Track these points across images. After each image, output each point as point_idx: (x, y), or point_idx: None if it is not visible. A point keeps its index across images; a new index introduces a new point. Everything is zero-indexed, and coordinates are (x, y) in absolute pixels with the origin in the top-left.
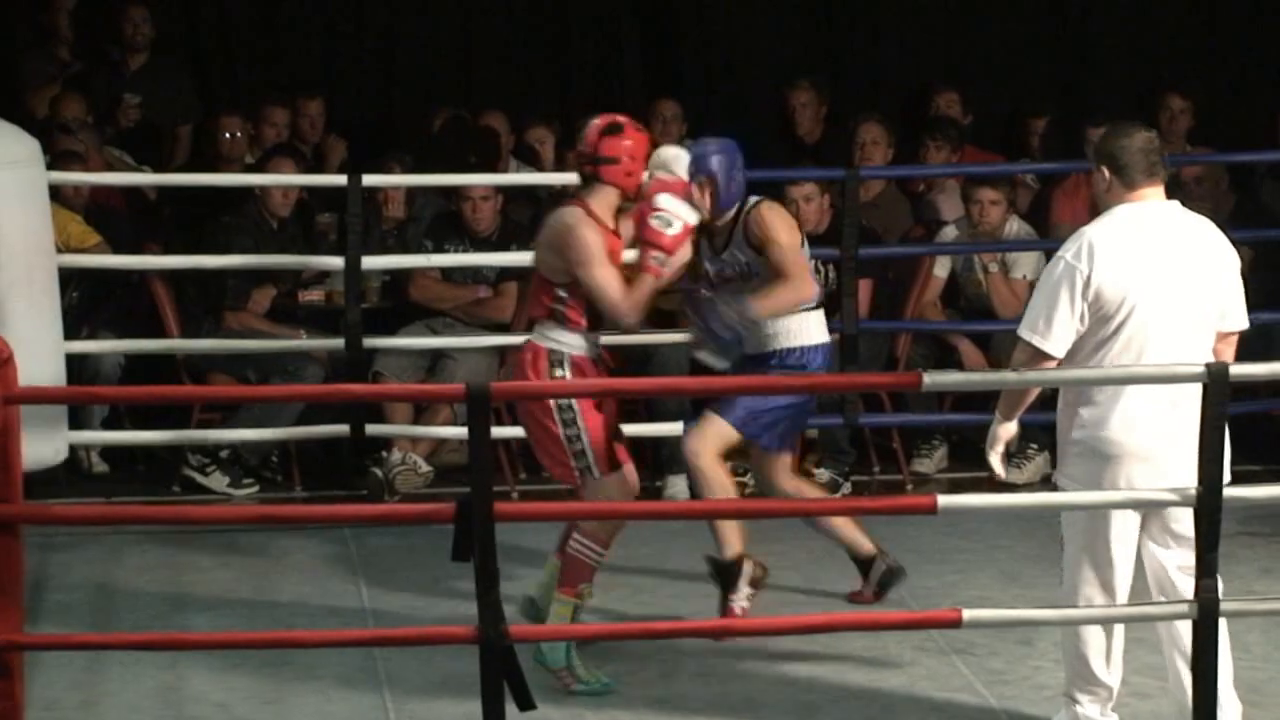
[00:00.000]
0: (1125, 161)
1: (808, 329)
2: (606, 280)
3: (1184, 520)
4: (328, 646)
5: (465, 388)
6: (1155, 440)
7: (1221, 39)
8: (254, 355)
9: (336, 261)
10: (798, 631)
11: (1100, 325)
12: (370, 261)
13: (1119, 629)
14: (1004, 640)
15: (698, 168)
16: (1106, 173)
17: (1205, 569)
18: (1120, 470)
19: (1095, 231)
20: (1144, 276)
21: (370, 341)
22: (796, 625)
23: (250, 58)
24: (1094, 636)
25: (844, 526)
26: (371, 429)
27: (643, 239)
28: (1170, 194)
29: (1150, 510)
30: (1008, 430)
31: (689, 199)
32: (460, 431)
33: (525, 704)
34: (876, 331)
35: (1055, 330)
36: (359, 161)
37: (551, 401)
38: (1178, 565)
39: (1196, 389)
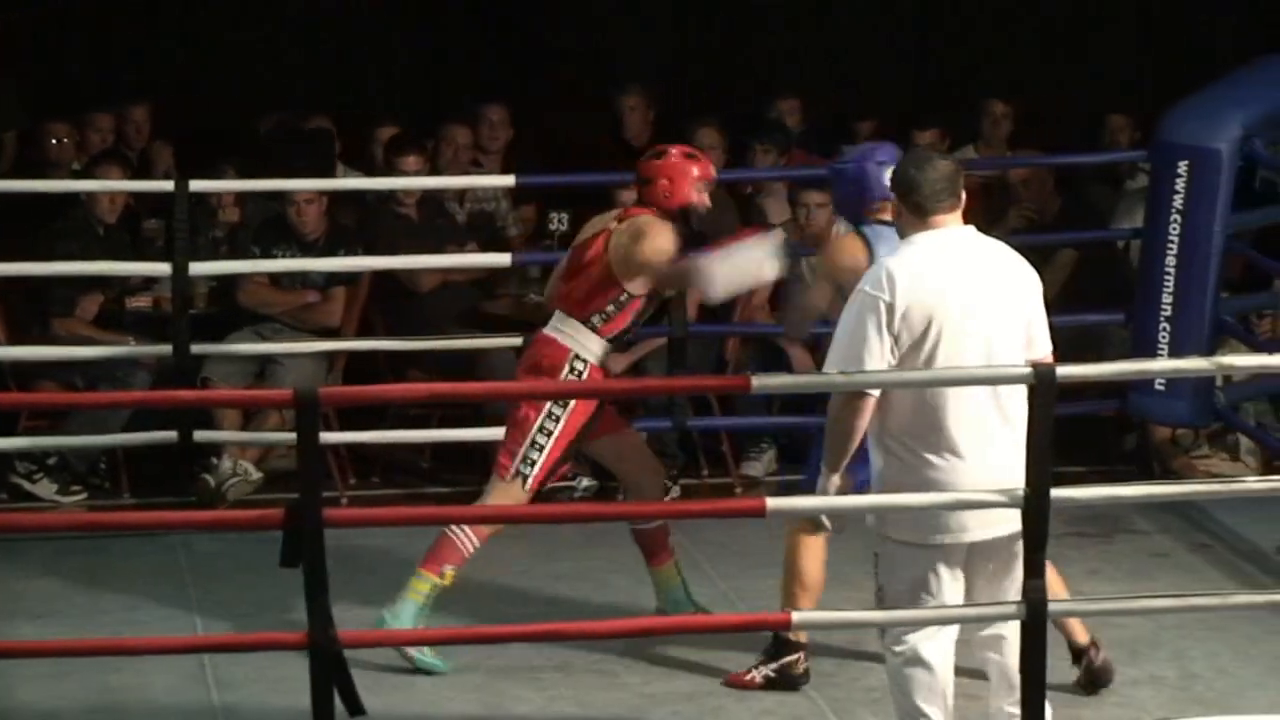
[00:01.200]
0: (925, 191)
1: None
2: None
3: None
4: (158, 654)
5: (293, 393)
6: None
7: (1046, 42)
8: (82, 362)
9: (164, 268)
10: (627, 635)
11: (910, 355)
12: (198, 267)
13: (946, 670)
14: (833, 642)
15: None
16: (903, 201)
17: (1033, 570)
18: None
19: (894, 260)
20: (948, 303)
21: (198, 347)
22: (626, 629)
23: (76, 63)
24: (919, 675)
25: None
26: (200, 435)
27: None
28: (996, 197)
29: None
30: (835, 484)
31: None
32: (289, 437)
33: (355, 709)
34: (705, 335)
35: (869, 366)
36: (187, 167)
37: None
38: None
39: (1019, 417)
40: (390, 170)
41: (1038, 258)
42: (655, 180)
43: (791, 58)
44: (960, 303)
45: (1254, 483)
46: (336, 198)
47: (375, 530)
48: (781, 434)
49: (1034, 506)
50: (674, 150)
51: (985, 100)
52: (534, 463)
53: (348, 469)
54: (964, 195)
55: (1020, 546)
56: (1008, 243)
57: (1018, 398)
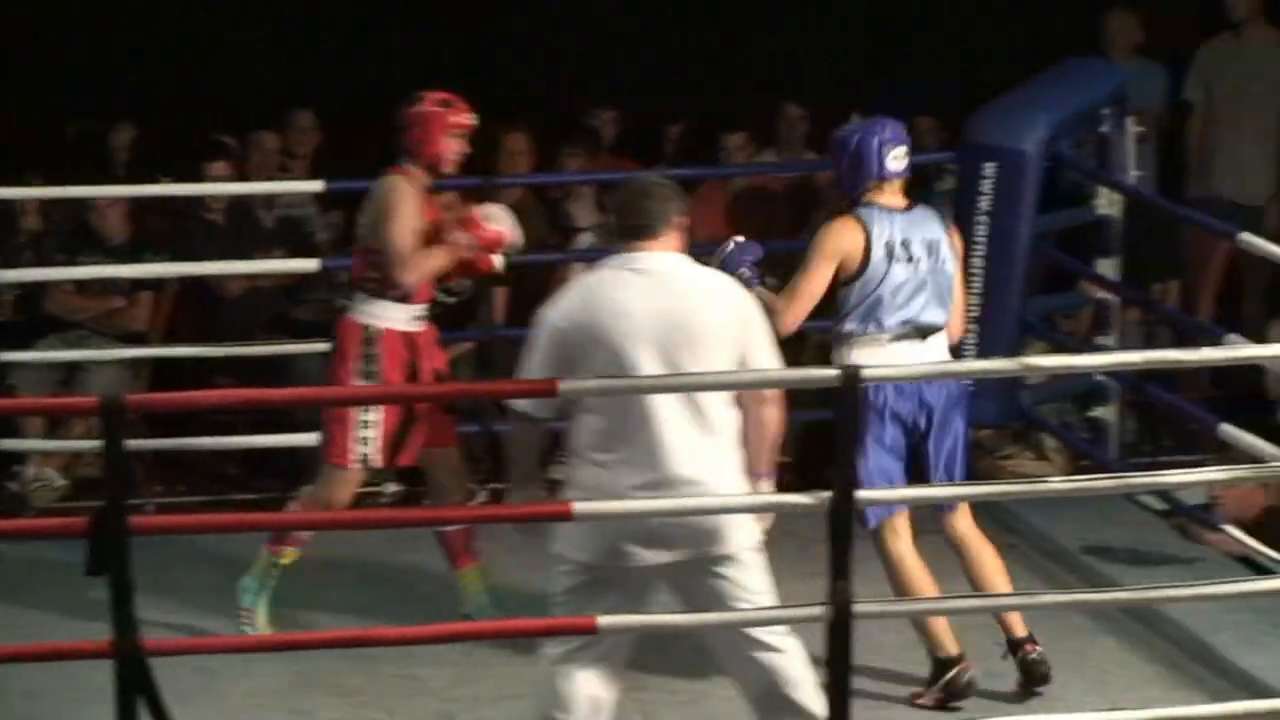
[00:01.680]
0: (627, 217)
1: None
2: (399, 234)
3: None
4: None
5: (100, 400)
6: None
7: (863, 45)
8: None
9: None
10: (433, 640)
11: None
12: (1, 275)
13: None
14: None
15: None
16: (615, 221)
17: (839, 571)
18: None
19: (582, 280)
20: (620, 330)
21: (3, 355)
22: (435, 634)
23: None
24: (560, 682)
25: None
26: (4, 443)
27: (461, 221)
28: (802, 200)
29: None
30: (525, 499)
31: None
32: (96, 444)
33: (160, 717)
34: (513, 338)
35: None
36: None
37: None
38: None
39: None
40: (198, 176)
41: None
42: (408, 129)
43: (605, 61)
44: (631, 331)
45: (1059, 483)
46: (146, 204)
47: (183, 537)
48: None
49: (840, 507)
50: (428, 97)
51: (780, 103)
52: (369, 440)
53: (154, 476)
54: (676, 222)
55: (734, 569)
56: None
57: (718, 418)
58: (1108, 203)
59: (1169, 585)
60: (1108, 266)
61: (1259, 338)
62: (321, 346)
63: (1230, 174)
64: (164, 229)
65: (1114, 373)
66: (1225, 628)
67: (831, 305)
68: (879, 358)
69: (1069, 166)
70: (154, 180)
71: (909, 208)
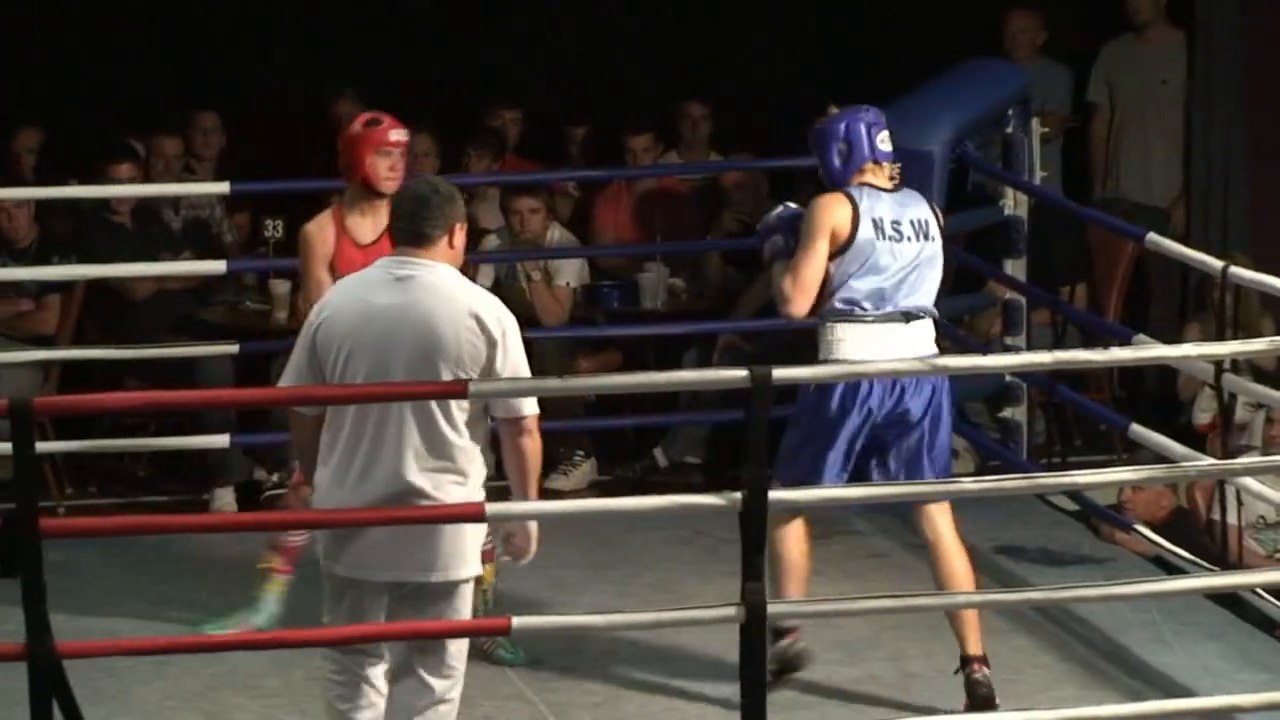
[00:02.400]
0: (401, 220)
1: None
2: (305, 291)
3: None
4: None
5: (8, 403)
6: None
7: (759, 43)
8: None
9: None
10: (350, 641)
11: (329, 378)
12: None
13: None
14: (552, 647)
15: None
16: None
17: (751, 572)
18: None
19: (345, 280)
20: (353, 335)
21: None
22: (349, 636)
23: None
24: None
25: None
26: None
27: None
28: (709, 200)
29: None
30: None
31: None
32: (4, 447)
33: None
34: None
35: (289, 383)
36: None
37: None
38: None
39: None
40: (102, 179)
41: (752, 261)
42: (340, 153)
43: (507, 62)
44: (373, 337)
45: (969, 483)
46: (52, 207)
47: (93, 540)
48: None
49: (752, 508)
50: (358, 118)
51: (682, 102)
52: None
53: (64, 478)
54: (452, 229)
55: (454, 601)
56: (719, 246)
57: (454, 435)
58: (1014, 203)
59: (1081, 585)
60: (1015, 267)
61: (1167, 339)
62: (229, 349)
63: (1135, 175)
64: (70, 232)
65: (1023, 373)
66: (1137, 627)
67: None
68: (862, 340)
69: (975, 167)
70: (63, 183)
71: (896, 188)
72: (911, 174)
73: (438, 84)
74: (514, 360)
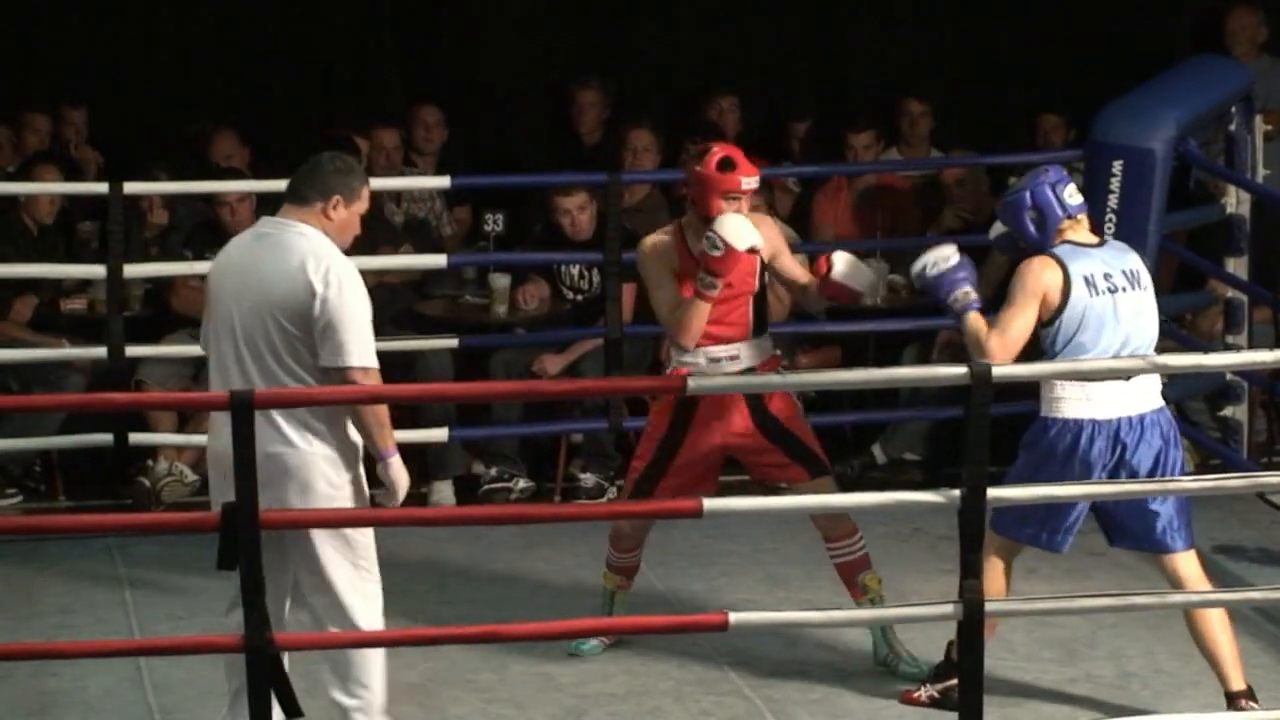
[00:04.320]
0: (291, 180)
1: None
2: (658, 302)
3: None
4: (93, 657)
5: (229, 395)
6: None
7: (980, 40)
8: (15, 365)
9: (98, 270)
10: (566, 636)
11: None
12: (132, 270)
13: None
14: (771, 643)
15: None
16: None
17: (969, 570)
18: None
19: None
20: (219, 294)
21: (133, 350)
22: (563, 630)
23: (9, 65)
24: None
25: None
26: (136, 438)
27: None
28: (930, 197)
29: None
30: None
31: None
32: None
33: (292, 710)
34: (641, 335)
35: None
36: (114, 170)
37: None
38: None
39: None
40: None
41: (974, 258)
42: (688, 184)
43: (730, 57)
44: (218, 290)
45: (1189, 482)
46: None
47: None
48: None
49: (970, 505)
50: (710, 157)
51: (901, 99)
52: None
53: None
54: (307, 196)
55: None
56: (941, 243)
57: (283, 376)
58: (1236, 202)
59: None
60: (1237, 266)
61: None
62: (449, 342)
63: None
64: None
65: (1245, 372)
66: None
67: (1035, 348)
68: (1084, 394)
69: (1197, 165)
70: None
71: (1101, 243)
72: (1133, 172)
73: (661, 74)
74: (334, 311)
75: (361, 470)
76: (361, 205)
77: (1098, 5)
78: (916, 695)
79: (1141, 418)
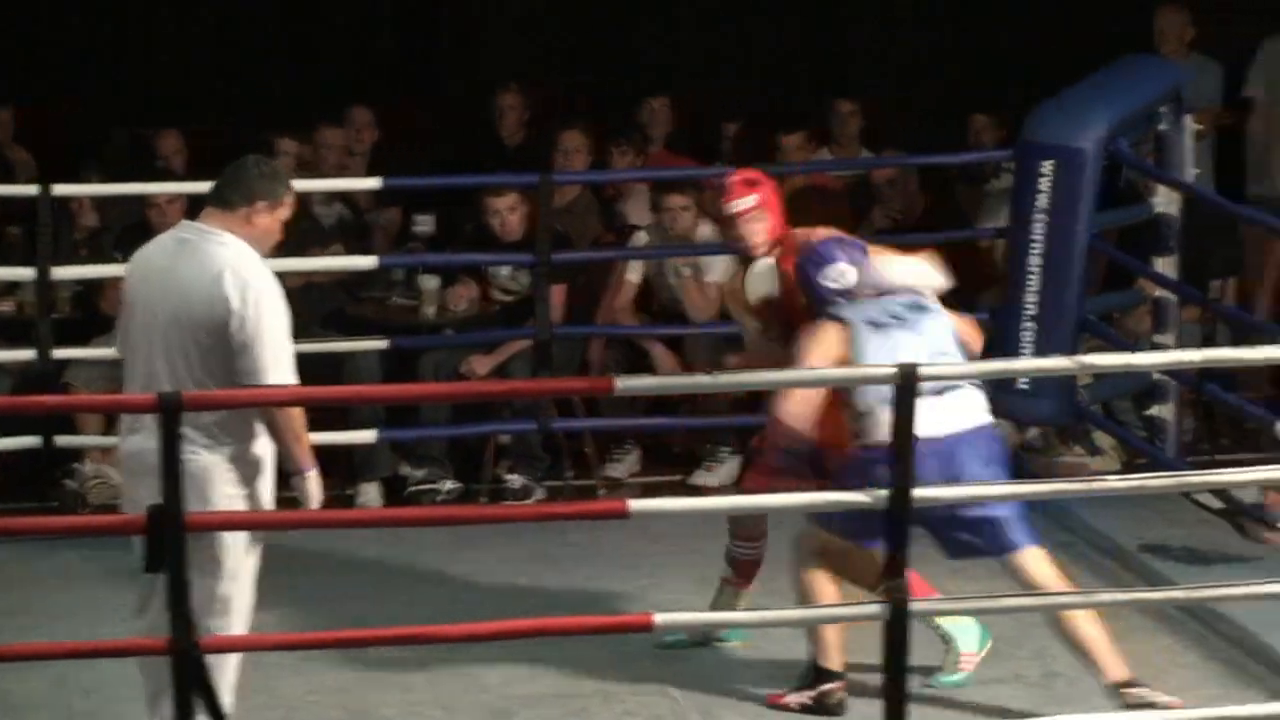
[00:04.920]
0: (216, 184)
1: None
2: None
3: None
4: (21, 660)
5: (156, 397)
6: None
7: (914, 41)
8: None
9: (27, 272)
10: (494, 637)
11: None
12: (60, 272)
13: None
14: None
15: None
16: None
17: (894, 569)
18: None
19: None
20: (131, 297)
21: (61, 352)
22: (489, 632)
23: None
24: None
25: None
26: (62, 440)
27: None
28: (860, 197)
29: None
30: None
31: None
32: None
33: (217, 715)
34: (570, 336)
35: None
36: (44, 173)
37: None
38: None
39: None
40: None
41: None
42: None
43: (666, 58)
44: (135, 293)
45: (1116, 481)
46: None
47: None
48: (645, 435)
49: (896, 505)
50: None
51: (831, 99)
52: None
53: None
54: (231, 200)
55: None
56: (875, 242)
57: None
58: (1166, 201)
59: (1227, 584)
60: (1166, 265)
61: None
62: (378, 344)
63: None
64: None
65: (1172, 371)
66: None
67: None
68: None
69: (1127, 164)
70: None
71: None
72: (1063, 171)
73: (593, 79)
74: (252, 329)
75: (265, 485)
76: (285, 211)
77: (1097, 5)
78: (785, 700)
79: (967, 433)
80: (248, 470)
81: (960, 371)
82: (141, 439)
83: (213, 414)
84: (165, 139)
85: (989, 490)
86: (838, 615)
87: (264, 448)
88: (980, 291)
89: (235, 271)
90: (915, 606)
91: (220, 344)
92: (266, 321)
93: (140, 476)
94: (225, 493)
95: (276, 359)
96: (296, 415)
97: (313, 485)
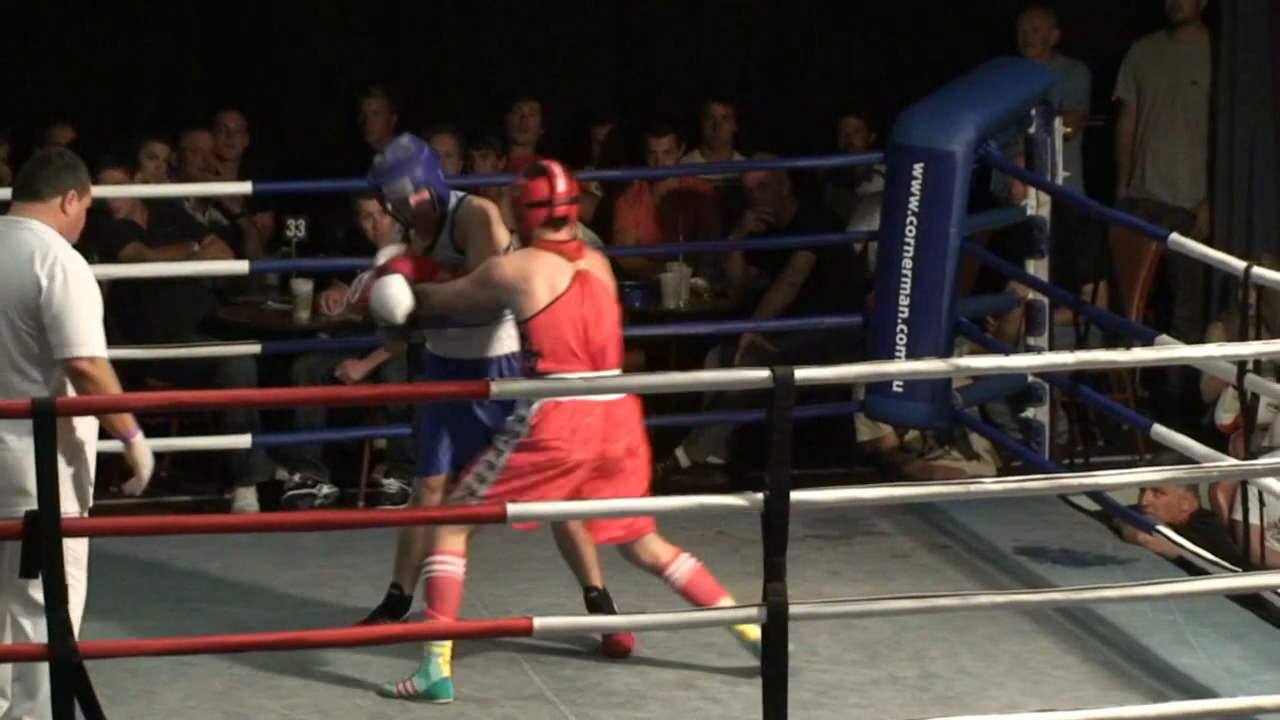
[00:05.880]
0: (19, 178)
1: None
2: None
3: None
4: None
5: (31, 403)
6: None
7: (784, 44)
8: None
9: None
10: (373, 641)
11: None
12: None
13: None
14: (574, 648)
15: (412, 178)
16: None
17: (773, 573)
18: None
19: None
20: None
21: None
22: (371, 636)
23: None
24: None
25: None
26: None
27: None
28: (732, 200)
29: None
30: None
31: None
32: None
33: (96, 719)
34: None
35: None
36: None
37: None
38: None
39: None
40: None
41: (775, 261)
42: None
43: (532, 60)
44: None
45: (992, 484)
46: None
47: (115, 540)
48: None
49: (774, 509)
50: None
51: (705, 102)
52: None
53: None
54: (70, 195)
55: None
56: (742, 246)
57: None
58: (1036, 204)
59: (1103, 586)
60: (1037, 267)
61: (1190, 339)
62: (252, 348)
63: (1161, 175)
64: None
65: (1046, 373)
66: (1159, 628)
67: None
68: None
69: (997, 167)
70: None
71: None
72: (933, 174)
73: (462, 81)
74: (59, 305)
75: (86, 467)
76: (89, 200)
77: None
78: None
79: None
80: (66, 456)
81: (830, 375)
82: None
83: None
84: (58, 133)
85: (872, 493)
86: (717, 619)
87: (85, 430)
88: (853, 295)
89: (44, 250)
90: (795, 609)
91: (34, 323)
92: (75, 294)
93: None
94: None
95: (88, 330)
96: (113, 384)
97: (141, 451)
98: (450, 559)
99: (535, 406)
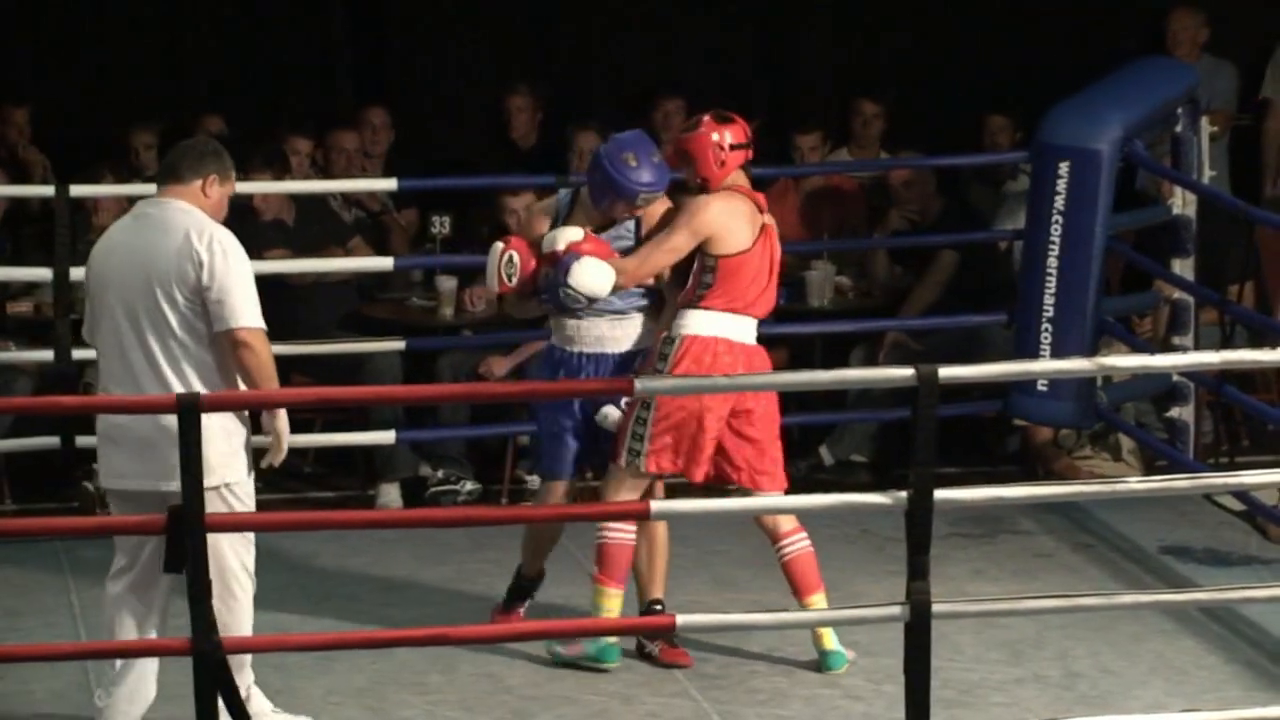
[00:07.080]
0: (163, 164)
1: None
2: None
3: None
4: (40, 660)
5: (175, 398)
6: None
7: (931, 42)
8: None
9: (44, 273)
10: (515, 638)
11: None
12: (79, 272)
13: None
14: (718, 645)
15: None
16: None
17: (916, 571)
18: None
19: None
20: (98, 272)
21: (80, 353)
22: (511, 633)
23: None
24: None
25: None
26: (83, 440)
27: None
28: (877, 198)
29: None
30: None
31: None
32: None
33: (239, 715)
34: None
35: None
36: (65, 172)
37: None
38: None
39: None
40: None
41: (920, 259)
42: None
43: (677, 57)
44: (103, 273)
45: (1136, 483)
46: None
47: (261, 534)
48: None
49: (918, 507)
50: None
51: (855, 100)
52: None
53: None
54: (210, 179)
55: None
56: (887, 244)
57: (187, 358)
58: (1182, 203)
59: (1247, 586)
60: (1183, 267)
61: None
62: (396, 345)
63: None
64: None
65: (1191, 373)
66: None
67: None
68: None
69: (1143, 166)
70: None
71: None
72: (1079, 173)
73: (606, 79)
74: (220, 280)
75: (247, 435)
76: (231, 187)
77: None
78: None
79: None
80: (235, 425)
81: (974, 374)
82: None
83: (194, 372)
84: (139, 139)
85: (1016, 492)
86: (859, 617)
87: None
88: (997, 293)
89: (199, 228)
90: (939, 608)
91: (193, 299)
92: (234, 268)
93: (119, 445)
94: (218, 453)
95: (246, 302)
96: (270, 362)
97: (283, 421)
98: (622, 526)
99: (677, 344)
